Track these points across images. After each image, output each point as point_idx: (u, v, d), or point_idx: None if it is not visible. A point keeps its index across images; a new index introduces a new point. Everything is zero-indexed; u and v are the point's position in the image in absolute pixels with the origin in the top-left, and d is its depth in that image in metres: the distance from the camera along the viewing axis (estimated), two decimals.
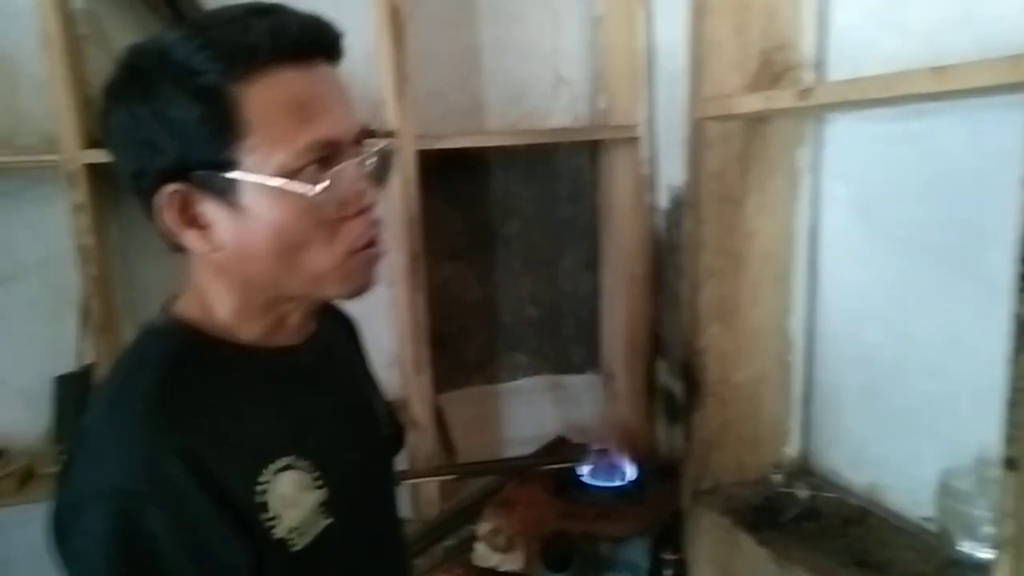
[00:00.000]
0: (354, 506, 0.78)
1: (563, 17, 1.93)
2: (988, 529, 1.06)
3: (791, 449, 1.48)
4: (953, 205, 1.14)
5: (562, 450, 1.91)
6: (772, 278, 1.41)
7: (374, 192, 0.72)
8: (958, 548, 1.12)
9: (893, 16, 1.19)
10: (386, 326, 1.87)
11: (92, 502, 0.63)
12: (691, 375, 1.42)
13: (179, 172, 0.66)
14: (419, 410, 1.74)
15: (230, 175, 0.65)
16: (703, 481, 1.43)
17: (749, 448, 1.46)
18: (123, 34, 1.51)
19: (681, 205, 1.67)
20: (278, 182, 0.65)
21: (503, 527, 1.52)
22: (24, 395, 1.62)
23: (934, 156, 1.17)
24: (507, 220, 1.99)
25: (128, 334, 1.61)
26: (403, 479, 1.68)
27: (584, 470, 1.67)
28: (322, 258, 0.69)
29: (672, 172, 1.73)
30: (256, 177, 0.65)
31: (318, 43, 0.68)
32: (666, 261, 1.81)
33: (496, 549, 1.51)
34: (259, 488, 0.68)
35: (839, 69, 1.31)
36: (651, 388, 1.89)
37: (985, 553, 1.06)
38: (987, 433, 1.06)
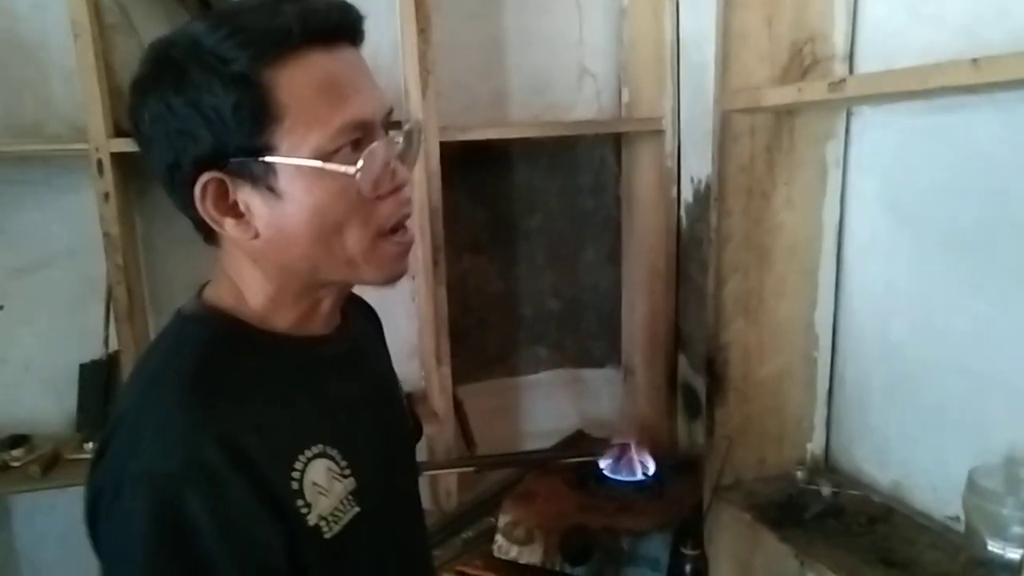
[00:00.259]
0: (381, 496, 0.78)
1: (588, 8, 1.91)
2: (1017, 529, 1.04)
3: (815, 445, 1.47)
4: (983, 200, 1.13)
5: (582, 444, 1.90)
6: (798, 273, 1.40)
7: (405, 171, 0.73)
8: (986, 548, 1.10)
9: (926, 8, 1.18)
10: (407, 317, 1.87)
11: (130, 486, 0.62)
12: (714, 370, 1.42)
13: (215, 160, 0.66)
14: (439, 402, 1.74)
15: (267, 159, 0.65)
16: (724, 476, 1.43)
17: (772, 444, 1.45)
18: (151, 24, 1.51)
19: (705, 198, 1.65)
20: (316, 163, 0.65)
21: (522, 519, 1.51)
22: (50, 382, 1.63)
23: (965, 150, 1.15)
24: (529, 213, 1.98)
25: (152, 323, 1.62)
26: (422, 471, 1.69)
27: (604, 464, 1.66)
28: (358, 239, 0.70)
29: (696, 165, 1.71)
30: (294, 160, 0.65)
31: (344, 26, 0.69)
32: (689, 255, 1.80)
33: (515, 541, 1.50)
34: (294, 475, 0.68)
35: (870, 61, 1.30)
36: (672, 383, 1.88)
37: (1014, 553, 1.04)
38: (1016, 431, 1.05)
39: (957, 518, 1.19)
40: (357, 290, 0.84)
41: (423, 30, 1.57)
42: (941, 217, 1.20)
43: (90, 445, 1.54)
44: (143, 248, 1.63)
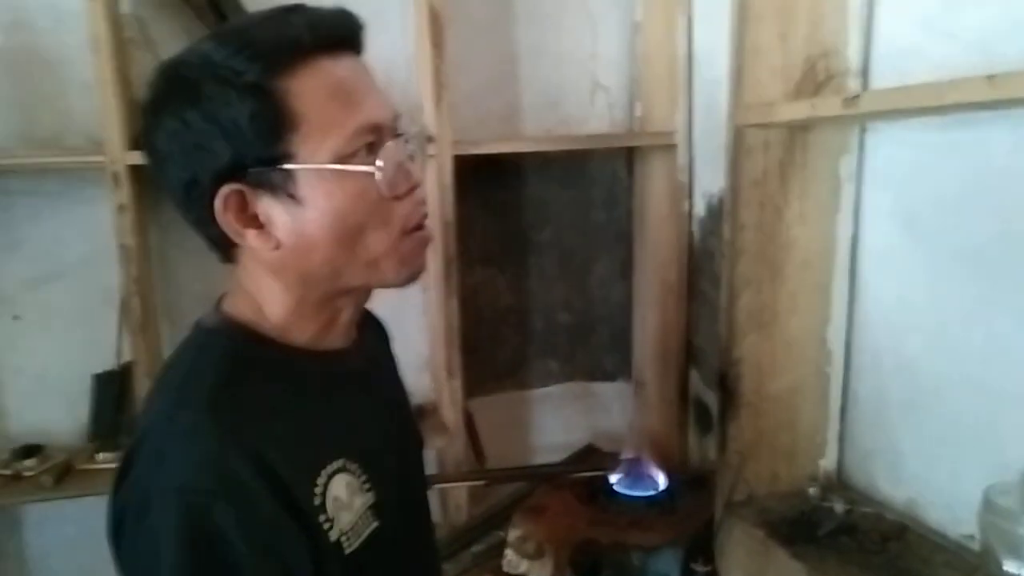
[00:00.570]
0: (397, 510, 0.79)
1: (601, 23, 1.92)
2: None
3: (827, 462, 1.45)
4: (999, 216, 1.12)
5: (592, 458, 1.89)
6: (811, 287, 1.39)
7: (418, 172, 0.74)
8: (1002, 567, 1.09)
9: (941, 24, 1.17)
10: (418, 330, 1.87)
11: (159, 501, 0.62)
12: (726, 384, 1.41)
13: (234, 173, 0.66)
14: (449, 415, 1.74)
15: (287, 167, 0.66)
16: (736, 492, 1.42)
17: (784, 460, 1.44)
18: (169, 38, 1.54)
19: (718, 213, 1.65)
20: (336, 166, 0.67)
21: (532, 534, 1.51)
22: (63, 392, 1.64)
23: (980, 165, 1.14)
24: (541, 226, 1.98)
25: (166, 334, 1.63)
26: (432, 484, 1.68)
27: (615, 478, 1.66)
28: (379, 240, 0.71)
29: (709, 179, 1.71)
30: (313, 165, 0.66)
31: (349, 34, 0.71)
32: (701, 269, 1.80)
33: (525, 556, 1.50)
34: (316, 490, 0.68)
35: (884, 77, 1.29)
36: (683, 397, 1.88)
37: None
38: None
39: (972, 537, 1.18)
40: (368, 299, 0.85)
41: (437, 45, 1.58)
42: (956, 232, 1.20)
43: (103, 455, 1.55)
44: (157, 260, 1.64)
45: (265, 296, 0.74)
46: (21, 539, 1.69)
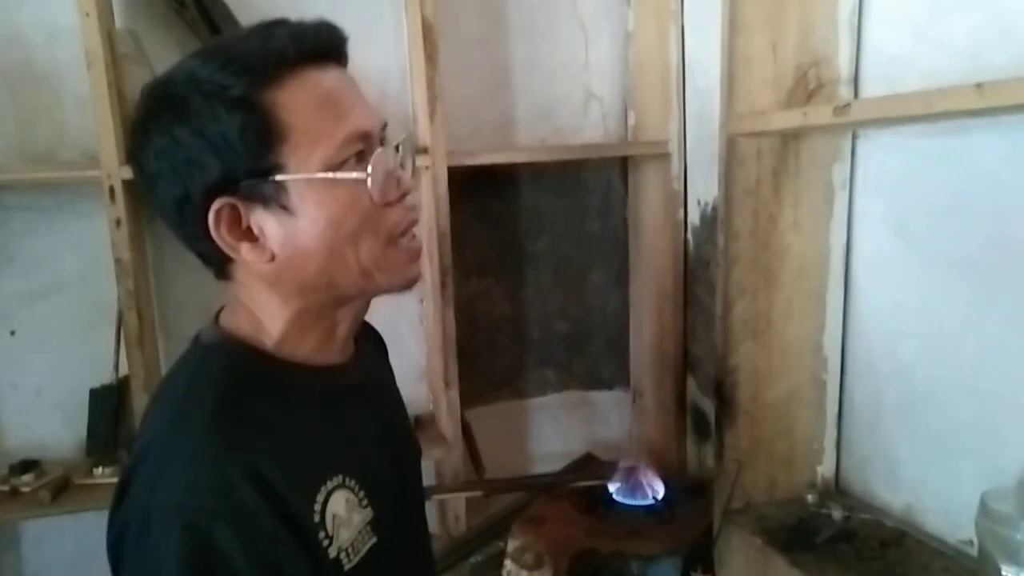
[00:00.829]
0: (395, 524, 0.78)
1: (594, 33, 1.93)
2: None
3: (825, 469, 1.46)
4: (991, 222, 1.13)
5: (591, 467, 1.89)
6: (806, 295, 1.40)
7: (408, 179, 0.74)
8: (1000, 573, 1.09)
9: (930, 32, 1.18)
10: (415, 340, 1.87)
11: (160, 518, 0.62)
12: (723, 392, 1.41)
13: (225, 187, 0.67)
14: (447, 425, 1.74)
15: (278, 178, 0.67)
16: (734, 500, 1.42)
17: (781, 467, 1.44)
18: (163, 53, 1.54)
19: (712, 221, 1.66)
20: (327, 175, 0.67)
21: (531, 544, 1.51)
22: (60, 407, 1.64)
23: (972, 172, 1.15)
24: (536, 236, 1.99)
25: (162, 348, 1.63)
26: (431, 495, 1.68)
27: (613, 487, 1.66)
28: (372, 247, 0.71)
29: (703, 188, 1.72)
30: (304, 175, 0.67)
31: (332, 45, 0.71)
32: (696, 277, 1.80)
33: (524, 566, 1.50)
34: (316, 507, 0.68)
35: (874, 85, 1.30)
36: (680, 405, 1.88)
37: None
38: None
39: (970, 542, 1.18)
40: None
41: (431, 57, 1.59)
42: (948, 238, 1.20)
43: (100, 470, 1.55)
44: (153, 274, 1.64)
45: (263, 310, 0.74)
46: (19, 556, 1.68)
